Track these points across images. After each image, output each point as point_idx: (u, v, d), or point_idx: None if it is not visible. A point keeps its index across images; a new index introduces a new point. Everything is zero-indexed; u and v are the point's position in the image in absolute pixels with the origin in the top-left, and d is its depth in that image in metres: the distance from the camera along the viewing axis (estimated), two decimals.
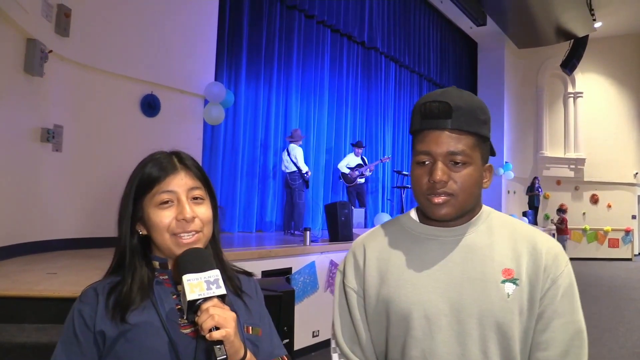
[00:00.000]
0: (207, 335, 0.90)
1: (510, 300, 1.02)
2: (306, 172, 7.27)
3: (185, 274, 0.95)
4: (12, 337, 2.66)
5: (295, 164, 7.26)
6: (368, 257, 1.17)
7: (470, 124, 1.04)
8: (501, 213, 1.18)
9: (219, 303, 0.94)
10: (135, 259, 1.06)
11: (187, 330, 1.01)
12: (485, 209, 1.16)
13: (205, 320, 0.90)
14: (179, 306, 1.03)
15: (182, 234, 1.03)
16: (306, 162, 7.71)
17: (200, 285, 0.94)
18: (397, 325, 1.08)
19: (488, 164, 1.13)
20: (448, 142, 1.03)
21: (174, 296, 1.05)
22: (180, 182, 1.06)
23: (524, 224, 1.16)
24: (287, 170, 7.38)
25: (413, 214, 1.20)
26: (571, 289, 1.06)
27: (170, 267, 1.08)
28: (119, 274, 1.06)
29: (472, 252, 1.08)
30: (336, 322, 1.20)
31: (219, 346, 0.89)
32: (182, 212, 1.03)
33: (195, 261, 0.98)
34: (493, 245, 1.08)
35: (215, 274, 0.96)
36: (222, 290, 0.94)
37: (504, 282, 1.04)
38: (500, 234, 1.10)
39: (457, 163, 1.04)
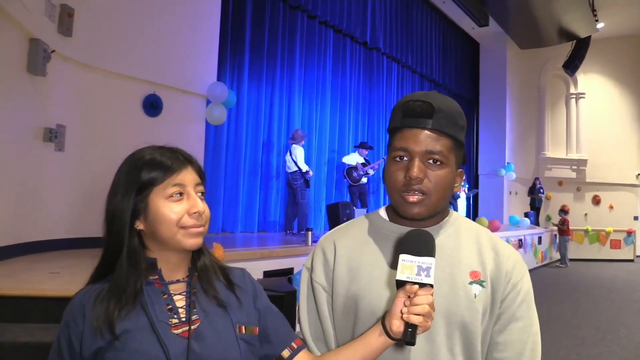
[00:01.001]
0: (406, 316, 0.93)
1: (477, 300, 1.07)
2: (307, 172, 7.27)
3: (403, 252, 0.96)
4: (16, 336, 2.67)
5: (296, 164, 7.27)
6: (338, 253, 1.19)
7: (449, 127, 1.07)
8: (467, 219, 1.23)
9: (427, 292, 0.94)
10: (133, 260, 1.02)
11: (179, 331, 0.99)
12: (453, 213, 1.20)
13: (410, 307, 0.93)
14: (170, 306, 1.02)
15: (192, 226, 1.03)
16: (308, 162, 7.72)
17: (412, 268, 0.94)
18: (365, 322, 1.10)
19: (460, 170, 1.15)
20: (427, 141, 1.06)
21: (165, 296, 1.03)
22: (189, 177, 1.05)
23: (487, 231, 1.21)
24: (289, 171, 7.40)
25: (382, 212, 1.23)
26: (529, 295, 1.12)
27: (159, 267, 1.05)
28: (107, 279, 1.02)
29: (441, 254, 1.10)
30: (303, 318, 1.22)
31: (410, 330, 0.92)
32: (195, 205, 1.03)
33: (416, 243, 0.97)
34: (460, 248, 1.13)
35: (430, 261, 0.95)
36: (430, 280, 0.93)
37: (471, 283, 1.08)
38: (467, 239, 1.15)
39: (434, 162, 1.07)
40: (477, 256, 1.12)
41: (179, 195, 1.03)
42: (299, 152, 7.33)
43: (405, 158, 1.08)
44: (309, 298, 1.22)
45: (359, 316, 1.11)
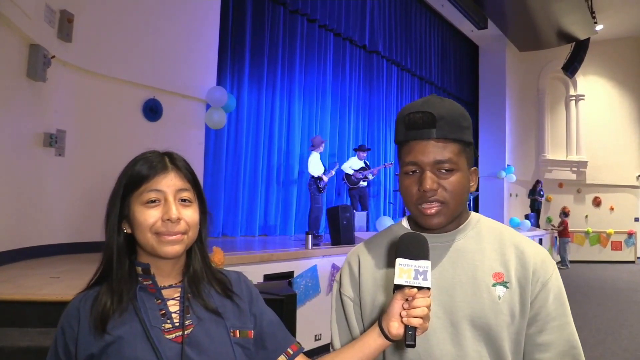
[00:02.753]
0: (406, 320, 0.94)
1: (501, 302, 1.07)
2: (318, 178, 7.37)
3: (399, 257, 0.98)
4: (16, 341, 2.66)
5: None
6: (363, 265, 1.22)
7: (453, 132, 1.07)
8: (490, 219, 1.22)
9: (425, 295, 0.96)
10: (121, 260, 1.04)
11: (172, 336, 0.99)
12: (474, 215, 1.20)
13: (409, 309, 0.95)
14: (163, 311, 1.02)
15: (164, 235, 1.01)
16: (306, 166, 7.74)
17: (409, 272, 0.96)
18: None
19: (473, 168, 1.15)
20: (434, 151, 1.06)
21: (158, 301, 1.03)
22: (169, 182, 1.04)
23: (511, 230, 1.20)
24: (309, 176, 7.52)
25: (405, 222, 1.25)
26: (561, 292, 1.11)
27: (153, 272, 1.06)
28: (104, 283, 1.04)
29: (463, 257, 1.12)
30: (334, 331, 1.25)
31: (410, 332, 0.94)
32: (167, 212, 1.01)
33: (412, 248, 0.99)
34: (482, 250, 1.13)
35: (426, 265, 0.97)
36: (428, 284, 0.95)
37: (494, 285, 1.08)
38: (489, 240, 1.15)
39: (445, 170, 1.07)
40: (499, 257, 1.11)
41: (154, 201, 1.02)
42: (312, 158, 7.46)
43: (416, 171, 1.09)
44: (338, 310, 1.26)
45: None
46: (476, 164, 1.23)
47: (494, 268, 1.10)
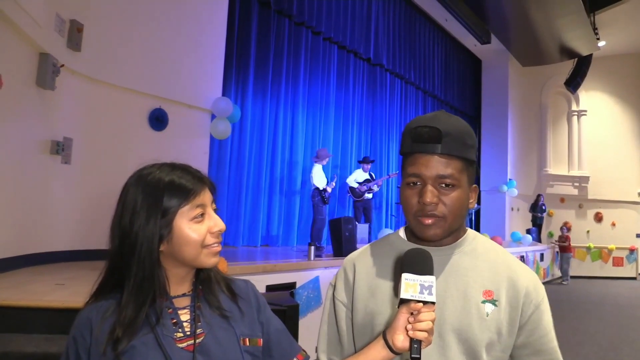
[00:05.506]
0: (412, 333, 0.96)
1: (489, 319, 1.10)
2: (324, 190, 7.44)
3: (405, 272, 1.00)
4: (21, 347, 2.69)
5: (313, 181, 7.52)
6: (358, 272, 1.24)
7: (458, 149, 1.10)
8: (486, 238, 1.25)
9: (430, 310, 0.98)
10: (159, 273, 1.02)
11: (183, 345, 1.00)
12: (470, 232, 1.23)
13: (415, 323, 0.97)
14: (175, 320, 1.03)
15: (213, 245, 1.05)
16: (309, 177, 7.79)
17: (415, 287, 0.98)
18: None
19: (473, 185, 1.18)
20: (437, 166, 1.09)
21: (170, 310, 1.04)
22: (207, 196, 1.06)
23: (505, 251, 1.23)
24: (312, 188, 7.57)
25: (402, 232, 1.27)
26: (550, 316, 1.17)
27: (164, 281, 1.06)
28: (113, 295, 1.02)
29: (456, 272, 1.15)
30: (322, 332, 1.28)
31: (416, 345, 0.96)
32: (217, 224, 1.05)
33: (417, 263, 1.01)
34: (476, 267, 1.16)
35: (431, 280, 0.99)
36: (433, 298, 0.97)
37: (484, 302, 1.11)
38: (483, 258, 1.18)
39: (446, 186, 1.10)
40: (492, 276, 1.14)
41: (202, 215, 1.04)
42: (314, 169, 7.55)
43: (418, 183, 1.11)
44: (330, 313, 1.29)
45: (375, 331, 1.15)
46: (478, 182, 1.27)
47: (485, 286, 1.13)
